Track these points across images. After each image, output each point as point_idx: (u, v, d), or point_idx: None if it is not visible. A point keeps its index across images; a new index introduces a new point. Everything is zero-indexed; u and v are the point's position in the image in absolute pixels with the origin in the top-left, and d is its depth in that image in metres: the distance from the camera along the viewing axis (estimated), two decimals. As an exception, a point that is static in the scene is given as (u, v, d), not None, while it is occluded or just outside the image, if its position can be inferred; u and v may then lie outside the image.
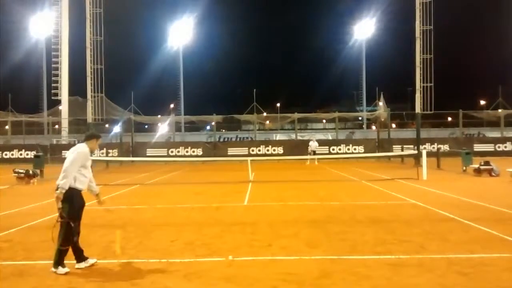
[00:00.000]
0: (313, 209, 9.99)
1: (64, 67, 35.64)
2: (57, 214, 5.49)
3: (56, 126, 41.82)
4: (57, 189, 5.42)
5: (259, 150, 32.79)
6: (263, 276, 5.19)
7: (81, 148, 5.70)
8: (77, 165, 5.54)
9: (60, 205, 5.38)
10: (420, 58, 25.21)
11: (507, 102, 44.56)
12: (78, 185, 5.56)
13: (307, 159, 26.87)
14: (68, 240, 5.43)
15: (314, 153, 27.27)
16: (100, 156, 29.56)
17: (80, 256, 5.63)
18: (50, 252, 5.65)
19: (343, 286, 4.85)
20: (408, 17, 28.14)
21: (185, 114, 48.07)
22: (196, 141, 36.22)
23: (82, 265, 5.61)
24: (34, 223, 8.69)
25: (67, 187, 5.41)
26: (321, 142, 33.01)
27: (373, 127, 46.12)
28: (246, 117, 42.43)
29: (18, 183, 16.54)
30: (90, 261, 5.69)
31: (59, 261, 5.38)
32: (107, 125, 41.28)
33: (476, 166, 17.75)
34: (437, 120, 41.51)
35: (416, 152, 22.78)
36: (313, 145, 27.98)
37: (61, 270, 5.35)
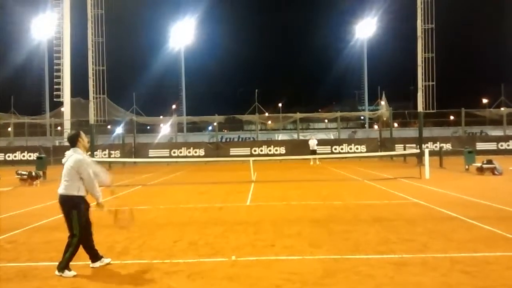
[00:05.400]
0: (316, 209, 9.99)
1: (66, 68, 35.68)
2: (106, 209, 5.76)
3: (59, 128, 41.81)
4: (98, 201, 5.60)
5: (261, 150, 32.78)
6: (266, 275, 5.20)
7: (81, 157, 5.55)
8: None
9: (105, 209, 5.69)
10: (422, 57, 25.10)
11: (509, 101, 44.55)
12: (82, 193, 5.53)
13: (309, 159, 26.91)
14: (75, 254, 5.50)
15: (315, 152, 27.23)
16: (102, 157, 29.64)
17: (95, 255, 5.70)
18: (53, 253, 5.67)
19: (346, 285, 4.85)
20: (410, 16, 28.10)
21: (187, 115, 48.02)
22: (198, 141, 36.20)
23: (97, 264, 5.68)
24: (38, 224, 8.73)
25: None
26: (323, 142, 33.00)
27: (375, 127, 46.03)
28: (248, 117, 42.41)
29: (21, 185, 16.60)
30: (105, 260, 5.76)
31: (65, 266, 5.38)
32: (109, 126, 41.39)
33: (479, 164, 17.70)
34: (439, 119, 41.37)
35: (418, 151, 22.74)
36: (312, 143, 27.90)
37: (67, 273, 5.34)
